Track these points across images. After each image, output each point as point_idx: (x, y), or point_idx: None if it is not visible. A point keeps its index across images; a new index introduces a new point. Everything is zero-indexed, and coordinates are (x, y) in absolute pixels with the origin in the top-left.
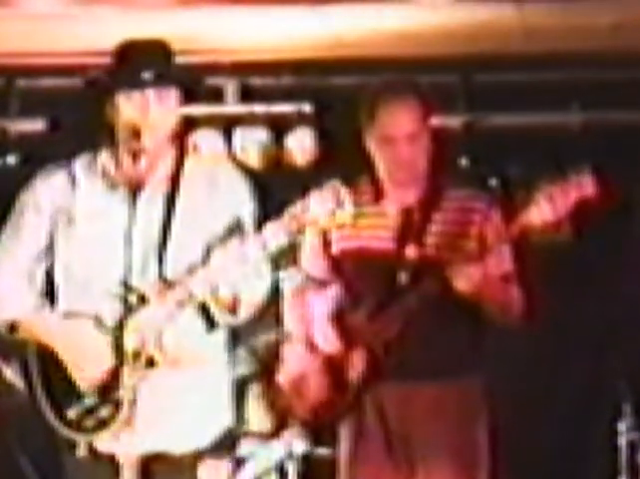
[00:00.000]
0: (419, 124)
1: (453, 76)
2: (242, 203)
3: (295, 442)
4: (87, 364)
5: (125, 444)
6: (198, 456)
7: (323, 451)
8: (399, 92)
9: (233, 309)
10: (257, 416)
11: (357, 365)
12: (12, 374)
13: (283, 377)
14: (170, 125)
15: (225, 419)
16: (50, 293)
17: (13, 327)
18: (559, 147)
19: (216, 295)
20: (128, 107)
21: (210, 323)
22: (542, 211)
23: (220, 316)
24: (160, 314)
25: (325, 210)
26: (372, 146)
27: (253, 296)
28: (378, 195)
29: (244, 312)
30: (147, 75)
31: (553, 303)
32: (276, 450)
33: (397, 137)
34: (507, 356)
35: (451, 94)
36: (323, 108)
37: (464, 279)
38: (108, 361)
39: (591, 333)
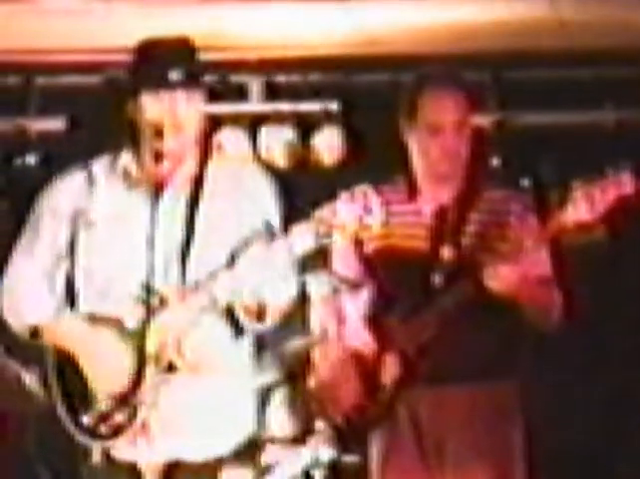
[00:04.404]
0: (464, 113)
1: (484, 73)
2: (268, 205)
3: (322, 449)
4: (108, 370)
5: (144, 451)
6: (220, 463)
7: (350, 458)
8: (443, 80)
9: (259, 316)
10: (283, 422)
11: (390, 369)
12: (32, 381)
13: (315, 382)
14: (196, 125)
15: (248, 426)
16: (71, 297)
17: (35, 332)
18: (593, 146)
19: (242, 301)
20: (152, 106)
21: (237, 330)
22: (580, 209)
23: (247, 323)
24: (182, 319)
25: (353, 216)
26: (413, 139)
27: (280, 302)
28: (412, 193)
29: (271, 318)
30: (173, 75)
31: (589, 307)
32: (302, 457)
33: (444, 124)
34: (543, 360)
35: (482, 92)
36: (351, 106)
37: (496, 280)
38: (128, 367)
39: (625, 337)
